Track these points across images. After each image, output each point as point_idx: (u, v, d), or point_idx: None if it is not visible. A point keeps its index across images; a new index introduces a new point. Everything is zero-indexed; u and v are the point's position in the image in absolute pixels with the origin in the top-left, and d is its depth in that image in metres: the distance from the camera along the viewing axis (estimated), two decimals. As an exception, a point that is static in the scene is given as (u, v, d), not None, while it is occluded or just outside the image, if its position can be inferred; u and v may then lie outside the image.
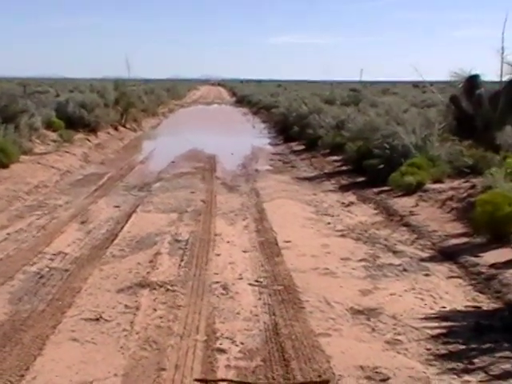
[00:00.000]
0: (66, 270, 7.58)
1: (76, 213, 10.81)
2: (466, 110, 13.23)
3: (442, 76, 14.23)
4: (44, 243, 8.78)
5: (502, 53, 12.49)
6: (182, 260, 8.03)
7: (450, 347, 5.42)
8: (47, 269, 7.63)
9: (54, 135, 19.61)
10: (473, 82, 13.12)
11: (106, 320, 6.03)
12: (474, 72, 13.17)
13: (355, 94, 36.35)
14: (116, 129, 25.44)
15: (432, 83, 23.27)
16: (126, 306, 6.39)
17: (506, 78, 12.67)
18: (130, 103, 28.90)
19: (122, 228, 9.71)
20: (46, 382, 4.81)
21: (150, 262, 7.92)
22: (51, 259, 8.04)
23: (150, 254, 8.29)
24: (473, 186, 10.69)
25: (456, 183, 11.58)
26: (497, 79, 13.07)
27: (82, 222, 10.11)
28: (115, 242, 8.91)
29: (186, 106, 53.12)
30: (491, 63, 12.58)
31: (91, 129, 22.52)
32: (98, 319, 6.05)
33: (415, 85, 65.85)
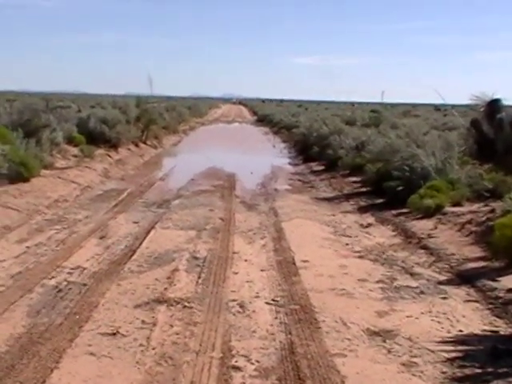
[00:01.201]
0: (84, 285, 7.63)
1: (95, 228, 10.87)
2: (487, 133, 13.11)
3: (464, 99, 14.18)
4: (63, 257, 8.84)
5: (525, 77, 12.47)
6: (199, 277, 8.05)
7: (466, 371, 5.41)
8: (65, 283, 7.68)
9: (75, 150, 19.74)
10: (494, 105, 13.01)
11: (122, 335, 6.06)
12: (495, 96, 13.12)
13: (376, 115, 36.37)
14: (137, 145, 25.55)
15: (453, 106, 23.23)
16: (142, 322, 6.42)
17: (527, 103, 12.61)
18: (152, 120, 29.02)
19: (141, 244, 9.75)
20: (61, 394, 4.84)
21: (168, 278, 7.95)
22: (70, 273, 8.09)
23: (167, 270, 8.32)
24: (492, 210, 10.65)
25: (475, 207, 11.54)
26: (519, 104, 13.00)
27: (101, 237, 10.17)
28: (133, 257, 8.96)
29: (206, 124, 53.29)
30: (513, 87, 12.54)
31: (112, 145, 22.64)
32: (114, 334, 6.08)
33: (437, 108, 65.84)
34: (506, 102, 13.40)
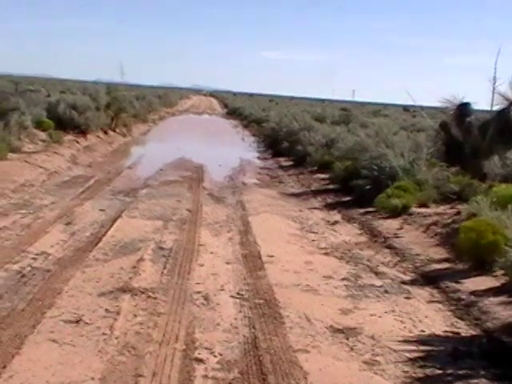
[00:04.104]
0: (49, 271, 7.57)
1: (61, 214, 10.79)
2: (456, 136, 13.32)
3: (433, 101, 14.32)
4: (27, 242, 8.76)
5: (494, 82, 12.58)
6: (164, 268, 8.03)
7: (427, 371, 5.45)
8: (29, 268, 7.61)
9: (43, 135, 19.52)
10: (463, 109, 13.21)
11: (85, 323, 6.02)
12: (465, 100, 13.26)
13: (346, 113, 36.52)
14: (106, 133, 25.37)
15: (423, 108, 23.37)
16: (106, 310, 6.38)
17: (496, 108, 12.76)
18: (121, 108, 28.84)
19: (107, 232, 9.70)
20: (22, 381, 4.79)
21: (133, 267, 7.91)
22: (34, 259, 8.02)
23: (133, 259, 8.28)
24: (458, 213, 10.75)
25: (441, 208, 11.64)
26: (487, 108, 13.15)
27: (67, 224, 10.10)
28: (99, 245, 8.90)
29: (176, 115, 53.05)
30: (483, 92, 12.61)
31: (81, 131, 22.45)
32: (77, 321, 6.04)
33: (406, 108, 66.21)
34: (474, 106, 13.59)
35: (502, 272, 7.77)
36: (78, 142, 21.00)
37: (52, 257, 8.17)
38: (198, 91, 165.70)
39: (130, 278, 7.45)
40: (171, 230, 10.13)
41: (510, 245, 7.49)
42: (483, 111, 13.58)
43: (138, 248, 8.88)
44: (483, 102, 13.10)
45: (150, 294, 6.97)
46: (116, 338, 5.71)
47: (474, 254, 8.34)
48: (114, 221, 10.50)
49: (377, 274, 8.49)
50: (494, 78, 12.59)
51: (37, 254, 8.21)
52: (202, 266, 8.32)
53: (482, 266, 8.21)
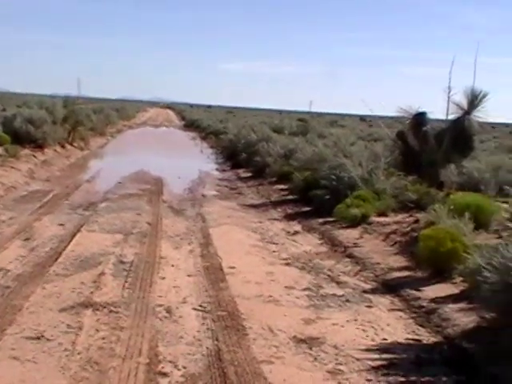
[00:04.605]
0: (8, 287, 7.48)
1: (20, 229, 10.67)
2: (412, 145, 13.44)
3: (390, 111, 14.44)
4: (-14, 259, 8.66)
5: (449, 92, 12.74)
6: (126, 281, 7.98)
7: (390, 379, 5.50)
8: (-12, 285, 7.52)
9: (-1, 150, 19.32)
10: (419, 118, 13.34)
11: (47, 339, 5.97)
12: (421, 109, 13.39)
13: (304, 124, 36.69)
14: (63, 146, 25.17)
15: (379, 117, 23.58)
16: (68, 326, 6.33)
17: (451, 117, 12.92)
18: (79, 121, 28.65)
19: (66, 247, 9.62)
20: (-17, 399, 4.74)
21: (94, 282, 7.86)
22: (-7, 275, 7.93)
23: (93, 274, 8.22)
24: (416, 221, 10.86)
25: (400, 217, 11.75)
26: (443, 117, 13.30)
27: (26, 239, 9.99)
28: (59, 260, 8.83)
29: (134, 127, 52.78)
30: (438, 101, 12.75)
31: (38, 145, 22.22)
32: (39, 338, 5.98)
33: (362, 118, 66.85)
34: (430, 116, 13.74)
35: (461, 279, 7.86)
36: (35, 157, 20.79)
37: (11, 273, 8.08)
38: (155, 103, 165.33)
39: (92, 293, 7.40)
40: (131, 244, 10.08)
41: (469, 252, 7.58)
42: (439, 120, 13.72)
43: (99, 262, 8.83)
44: (439, 111, 13.25)
45: (112, 308, 6.93)
46: (78, 353, 5.67)
47: (434, 262, 8.43)
48: (74, 235, 10.42)
49: (338, 283, 8.54)
50: (449, 88, 12.75)
51: (-4, 271, 8.12)
52: (163, 279, 8.29)
53: (441, 273, 8.30)
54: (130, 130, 48.26)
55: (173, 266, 9.00)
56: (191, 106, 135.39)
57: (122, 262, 8.90)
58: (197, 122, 54.45)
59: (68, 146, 25.94)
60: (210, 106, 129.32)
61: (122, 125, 50.26)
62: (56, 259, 8.87)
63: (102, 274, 8.23)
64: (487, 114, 12.56)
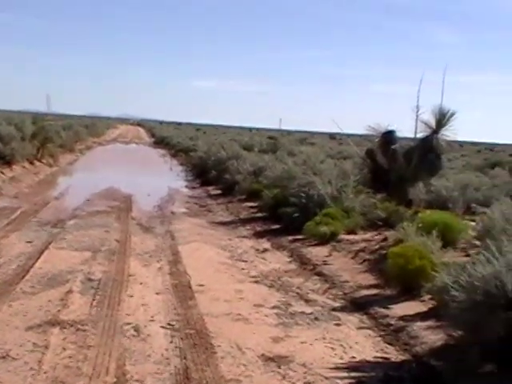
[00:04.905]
0: (-26, 305, 7.40)
1: (-14, 246, 10.57)
2: (381, 163, 13.51)
3: (358, 129, 14.52)
4: (-49, 276, 8.55)
5: (417, 111, 12.83)
6: (93, 299, 7.93)
7: (358, 397, 5.50)
8: (-46, 303, 7.43)
9: (-34, 166, 19.16)
10: (388, 137, 13.42)
11: (13, 358, 5.90)
12: (390, 127, 13.48)
13: (273, 141, 36.81)
14: (32, 163, 25.01)
15: (348, 135, 23.68)
16: (34, 344, 6.26)
17: (420, 136, 13.02)
18: (48, 138, 28.47)
19: (34, 264, 9.53)
20: None
21: (61, 300, 7.79)
22: (-42, 293, 7.83)
23: (61, 291, 8.16)
24: (385, 239, 10.92)
25: (369, 235, 11.80)
26: (411, 136, 13.38)
27: (-8, 257, 9.89)
28: (26, 277, 8.74)
29: (104, 144, 52.61)
30: (406, 119, 12.83)
31: (6, 161, 22.05)
32: (4, 357, 5.91)
33: (332, 136, 67.14)
34: (399, 134, 13.84)
35: (429, 297, 7.90)
36: (2, 173, 20.63)
37: (-23, 291, 7.99)
38: (125, 120, 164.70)
39: (59, 311, 7.34)
40: (100, 261, 10.01)
41: (436, 270, 7.63)
42: (407, 139, 13.81)
43: (67, 280, 8.76)
44: (407, 129, 13.34)
45: (80, 326, 6.88)
46: (45, 372, 5.61)
47: (402, 280, 8.47)
48: (42, 252, 10.33)
49: (307, 301, 8.54)
50: (417, 107, 12.84)
51: (-39, 288, 8.03)
52: (131, 296, 8.24)
53: (409, 291, 8.34)
54: (100, 147, 48.11)
55: (141, 283, 8.95)
56: (161, 122, 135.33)
57: (90, 280, 8.84)
58: (167, 139, 54.43)
59: (37, 163, 25.78)
60: (179, 123, 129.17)
61: (91, 141, 50.11)
62: (23, 277, 8.79)
63: (70, 291, 8.16)
64: (455, 132, 12.67)
